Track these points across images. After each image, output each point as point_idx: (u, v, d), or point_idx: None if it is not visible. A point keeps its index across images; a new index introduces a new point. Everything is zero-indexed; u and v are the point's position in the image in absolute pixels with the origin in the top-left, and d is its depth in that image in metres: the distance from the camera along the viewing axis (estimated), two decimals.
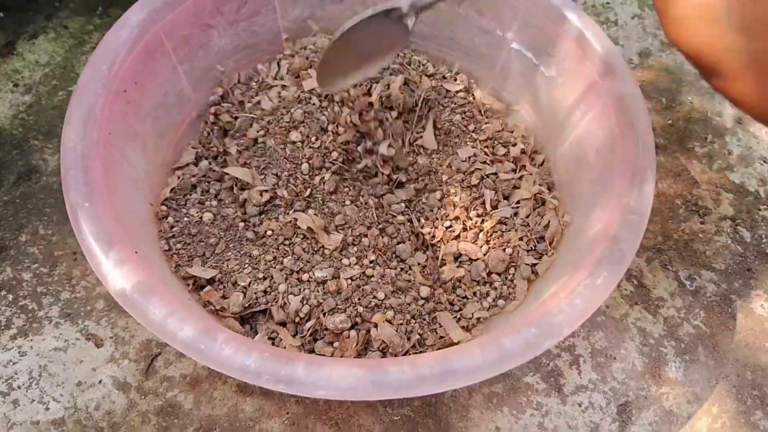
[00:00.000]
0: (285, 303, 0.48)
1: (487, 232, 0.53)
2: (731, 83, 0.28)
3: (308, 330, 0.47)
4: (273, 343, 0.47)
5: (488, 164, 0.56)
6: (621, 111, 0.48)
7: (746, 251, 0.61)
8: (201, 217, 0.52)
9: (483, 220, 0.54)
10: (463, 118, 0.59)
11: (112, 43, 0.49)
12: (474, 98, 0.61)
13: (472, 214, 0.54)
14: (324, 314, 0.47)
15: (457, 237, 0.54)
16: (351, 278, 0.49)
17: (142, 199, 0.51)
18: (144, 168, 0.51)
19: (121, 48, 0.49)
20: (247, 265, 0.49)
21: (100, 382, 0.51)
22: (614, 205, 0.44)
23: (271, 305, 0.48)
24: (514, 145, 0.58)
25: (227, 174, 0.54)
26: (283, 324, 0.48)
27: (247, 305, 0.48)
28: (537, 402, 0.52)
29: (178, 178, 0.55)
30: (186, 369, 0.51)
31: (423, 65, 0.62)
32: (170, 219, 0.52)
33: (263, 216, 0.52)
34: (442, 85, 0.61)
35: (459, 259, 0.53)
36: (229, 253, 0.51)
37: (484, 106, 0.61)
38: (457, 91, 0.61)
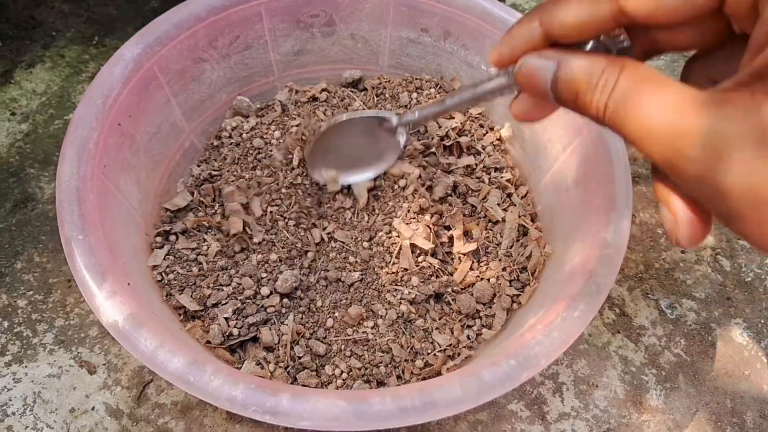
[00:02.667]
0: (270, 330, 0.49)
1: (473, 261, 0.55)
2: None
3: (292, 358, 0.48)
4: (262, 368, 0.48)
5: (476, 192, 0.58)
6: (599, 145, 0.49)
7: (726, 280, 0.63)
8: (193, 249, 0.53)
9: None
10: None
11: (107, 77, 0.50)
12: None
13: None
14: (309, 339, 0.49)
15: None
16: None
17: (135, 229, 0.52)
18: (137, 198, 0.53)
19: (116, 82, 0.50)
20: (229, 297, 0.51)
21: (93, 408, 0.52)
22: (592, 239, 0.45)
23: (257, 334, 0.49)
24: (505, 170, 0.60)
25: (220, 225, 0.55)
26: (270, 349, 0.49)
27: (227, 335, 0.49)
28: (521, 429, 0.53)
29: (171, 219, 0.56)
30: (177, 396, 0.53)
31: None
32: (164, 249, 0.53)
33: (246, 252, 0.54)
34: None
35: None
36: (216, 284, 0.52)
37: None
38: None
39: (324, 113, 0.61)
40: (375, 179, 0.56)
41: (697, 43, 0.30)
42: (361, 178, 0.55)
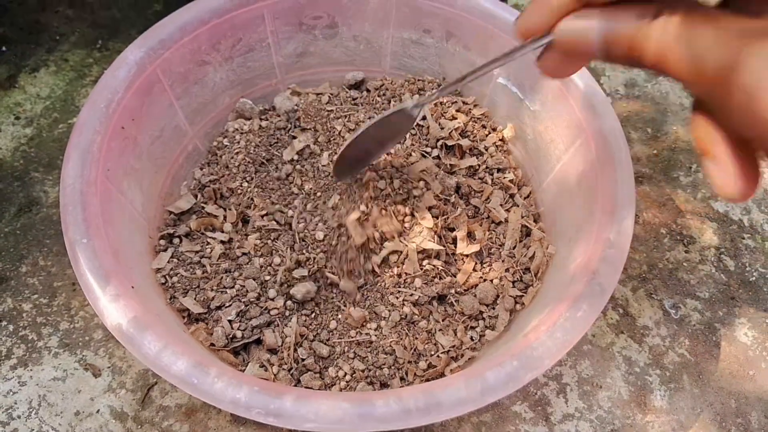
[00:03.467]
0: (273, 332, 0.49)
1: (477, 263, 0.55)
2: None
3: (296, 360, 0.48)
4: (265, 370, 0.49)
5: (479, 193, 0.58)
6: (602, 146, 0.49)
7: (730, 280, 0.63)
8: (196, 252, 0.54)
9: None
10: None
11: (110, 81, 0.50)
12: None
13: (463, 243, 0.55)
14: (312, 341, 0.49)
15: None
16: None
17: (139, 232, 0.52)
18: (141, 201, 0.53)
19: (119, 86, 0.50)
20: (232, 300, 0.51)
21: (97, 411, 0.52)
22: (595, 239, 0.45)
23: (261, 336, 0.49)
24: (508, 171, 0.60)
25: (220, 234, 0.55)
26: (273, 351, 0.49)
27: (231, 337, 0.49)
28: (525, 431, 0.53)
29: (175, 222, 0.56)
30: (181, 399, 0.53)
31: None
32: (167, 252, 0.53)
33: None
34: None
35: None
36: (220, 287, 0.52)
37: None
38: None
39: (337, 120, 0.61)
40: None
41: None
42: (379, 157, 0.55)
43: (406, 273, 0.53)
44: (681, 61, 0.27)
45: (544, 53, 0.35)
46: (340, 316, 0.51)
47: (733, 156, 0.28)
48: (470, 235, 0.56)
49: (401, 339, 0.51)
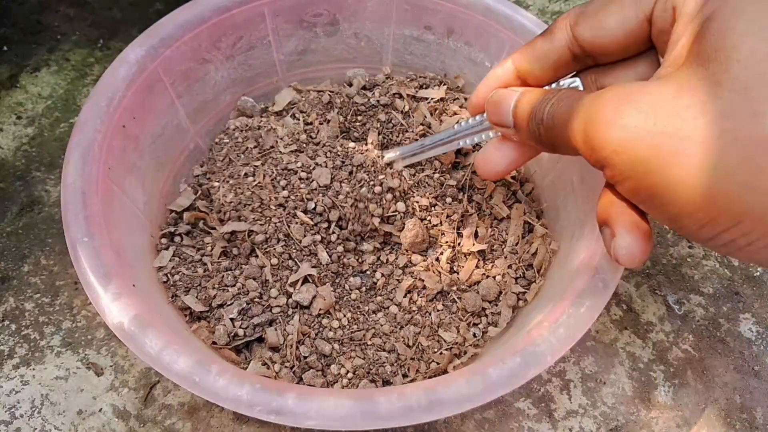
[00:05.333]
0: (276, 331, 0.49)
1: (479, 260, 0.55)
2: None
3: (298, 357, 0.48)
4: (267, 368, 0.48)
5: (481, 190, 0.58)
6: None
7: (734, 275, 0.62)
8: (198, 250, 0.54)
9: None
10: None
11: (111, 80, 0.50)
12: None
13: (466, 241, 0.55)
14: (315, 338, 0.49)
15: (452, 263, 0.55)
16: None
17: (140, 231, 0.52)
18: (142, 200, 0.53)
19: (120, 84, 0.50)
20: (234, 298, 0.51)
21: (100, 410, 0.52)
22: (598, 235, 0.45)
23: (263, 334, 0.49)
24: None
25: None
26: (275, 349, 0.49)
27: (233, 336, 0.49)
28: (528, 427, 0.53)
29: (176, 221, 0.56)
30: (184, 397, 0.53)
31: None
32: (169, 251, 0.53)
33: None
34: None
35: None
36: (221, 285, 0.52)
37: None
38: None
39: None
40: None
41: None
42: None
43: (421, 279, 0.53)
44: (563, 130, 0.34)
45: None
46: (341, 313, 0.51)
47: (633, 227, 0.34)
48: (474, 233, 0.56)
49: (404, 336, 0.51)
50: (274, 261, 0.51)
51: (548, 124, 0.35)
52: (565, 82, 0.41)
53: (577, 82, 0.41)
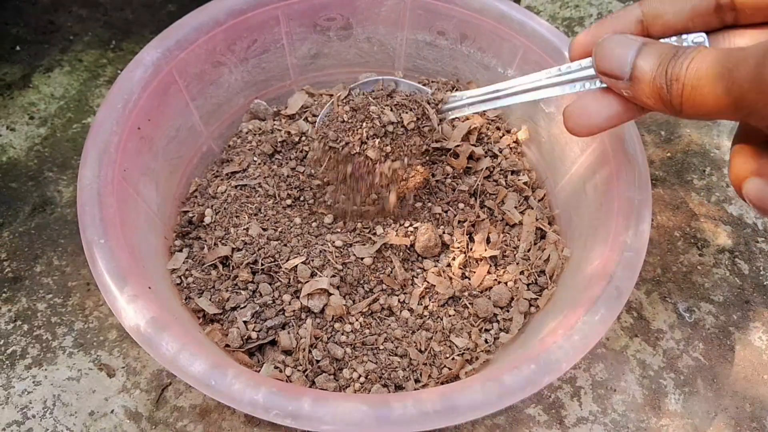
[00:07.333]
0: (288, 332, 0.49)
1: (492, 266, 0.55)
2: None
3: (311, 361, 0.49)
4: (279, 371, 0.49)
5: (493, 195, 0.58)
6: (618, 148, 0.49)
7: (744, 283, 0.62)
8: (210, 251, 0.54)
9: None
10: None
11: (127, 82, 0.50)
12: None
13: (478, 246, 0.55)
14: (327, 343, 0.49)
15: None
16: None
17: (155, 233, 0.52)
18: (156, 201, 0.53)
19: (136, 87, 0.50)
20: (247, 301, 0.51)
21: (112, 411, 0.52)
22: (611, 242, 0.45)
23: (276, 337, 0.49)
24: (522, 173, 0.60)
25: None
26: (288, 353, 0.49)
27: (246, 338, 0.49)
28: None
29: (189, 222, 0.56)
30: (196, 399, 0.53)
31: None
32: (183, 253, 0.53)
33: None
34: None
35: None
36: (235, 288, 0.52)
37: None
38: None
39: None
40: None
41: None
42: None
43: (432, 284, 0.53)
44: (716, 88, 0.30)
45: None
46: (353, 318, 0.51)
47: None
48: (488, 241, 0.56)
49: (416, 341, 0.51)
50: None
51: (692, 83, 0.31)
52: (689, 37, 0.36)
53: (705, 39, 0.36)
